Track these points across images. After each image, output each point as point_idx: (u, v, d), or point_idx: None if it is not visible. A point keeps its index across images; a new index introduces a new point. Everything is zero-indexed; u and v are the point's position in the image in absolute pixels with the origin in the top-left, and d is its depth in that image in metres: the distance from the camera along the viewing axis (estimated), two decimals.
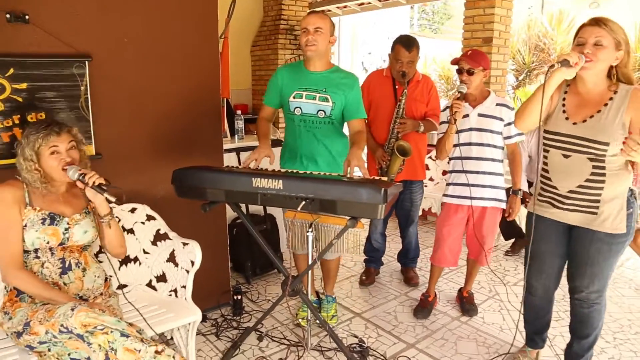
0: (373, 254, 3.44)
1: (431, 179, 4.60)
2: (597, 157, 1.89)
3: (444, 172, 4.52)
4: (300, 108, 2.51)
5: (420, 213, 3.49)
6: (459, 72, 2.62)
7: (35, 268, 1.91)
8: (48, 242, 1.90)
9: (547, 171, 2.05)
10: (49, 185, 1.92)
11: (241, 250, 3.36)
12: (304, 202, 1.95)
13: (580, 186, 1.95)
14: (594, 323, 2.11)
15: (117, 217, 2.33)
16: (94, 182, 1.87)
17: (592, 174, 1.91)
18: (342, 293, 3.22)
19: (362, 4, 7.22)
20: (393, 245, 3.96)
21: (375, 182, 1.97)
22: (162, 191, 2.57)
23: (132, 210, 2.38)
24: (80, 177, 1.89)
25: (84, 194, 1.99)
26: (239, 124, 3.55)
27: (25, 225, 1.87)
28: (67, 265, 1.95)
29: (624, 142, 1.74)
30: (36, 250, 1.91)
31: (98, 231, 2.06)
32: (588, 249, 2.00)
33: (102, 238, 2.07)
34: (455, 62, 2.67)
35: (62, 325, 1.69)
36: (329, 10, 7.59)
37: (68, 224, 1.94)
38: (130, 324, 1.79)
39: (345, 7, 7.37)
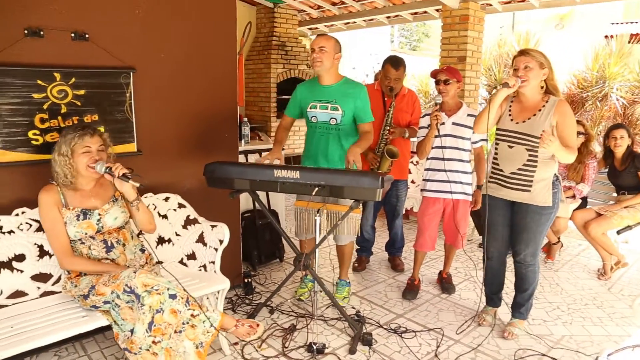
0: (364, 244, 3.91)
1: (413, 182, 5.11)
2: (532, 148, 2.54)
3: None
4: (316, 117, 2.97)
5: (403, 211, 3.98)
6: (437, 83, 3.15)
7: (84, 251, 2.31)
8: (86, 233, 2.29)
9: (496, 159, 2.70)
10: (77, 179, 2.27)
11: (248, 241, 3.78)
12: (317, 188, 2.42)
13: (519, 169, 2.60)
14: (530, 280, 2.77)
15: (153, 204, 2.78)
16: (119, 173, 2.25)
17: (528, 160, 2.57)
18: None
19: (348, 23, 7.79)
20: (380, 240, 4.43)
21: (374, 172, 2.45)
22: (189, 184, 3.00)
23: (166, 199, 2.81)
24: (107, 170, 2.26)
25: (112, 184, 2.39)
26: (246, 130, 4.01)
27: (66, 223, 2.26)
28: (109, 245, 2.34)
29: (540, 136, 2.38)
30: (80, 239, 2.30)
31: (129, 213, 2.45)
32: (525, 218, 2.65)
33: (134, 219, 2.47)
34: (433, 74, 3.19)
35: (126, 285, 2.09)
36: (317, 28, 8.14)
37: (99, 214, 2.32)
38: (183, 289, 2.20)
39: (332, 25, 7.92)
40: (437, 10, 6.55)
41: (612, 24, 10.95)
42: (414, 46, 17.23)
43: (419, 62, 12.41)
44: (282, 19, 7.12)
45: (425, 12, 6.77)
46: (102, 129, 2.60)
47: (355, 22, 7.74)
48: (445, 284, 3.49)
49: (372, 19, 7.47)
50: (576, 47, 9.72)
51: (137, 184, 2.29)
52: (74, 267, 2.27)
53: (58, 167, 2.23)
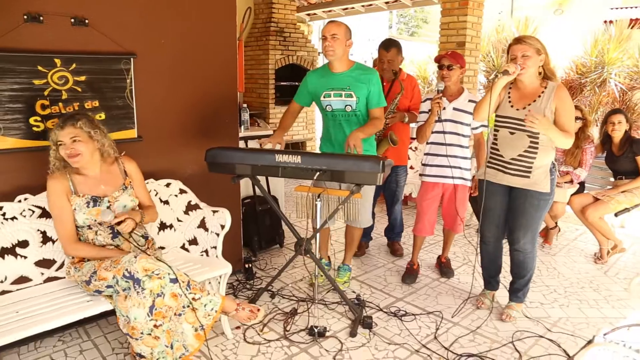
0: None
1: (411, 167, 5.13)
2: (533, 134, 2.56)
3: None
4: (330, 105, 2.95)
5: (402, 197, 4.00)
6: (440, 68, 3.15)
7: (90, 237, 2.32)
8: (95, 220, 2.31)
9: (496, 144, 2.72)
10: (74, 167, 2.27)
11: (249, 227, 3.80)
12: (318, 173, 2.44)
13: (520, 155, 2.62)
14: (528, 266, 2.81)
15: (154, 190, 2.79)
16: (124, 232, 2.29)
17: (529, 146, 2.60)
18: (338, 262, 3.71)
19: (346, 8, 7.73)
20: (379, 226, 4.46)
21: (374, 156, 2.47)
22: (190, 170, 3.01)
23: (167, 185, 2.82)
24: (115, 223, 2.26)
25: (122, 170, 2.43)
26: (245, 116, 4.01)
27: (75, 209, 2.27)
28: (115, 231, 2.35)
29: (525, 115, 2.42)
30: (88, 225, 2.32)
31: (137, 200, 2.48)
32: (523, 204, 2.68)
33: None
34: (437, 59, 3.19)
35: (126, 270, 2.10)
36: (315, 14, 8.09)
37: (109, 202, 2.34)
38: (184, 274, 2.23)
39: (330, 11, 7.87)
40: None
41: (612, 9, 10.89)
42: (413, 32, 17.15)
43: (418, 48, 12.36)
44: (280, 5, 7.06)
45: None
46: (102, 115, 2.61)
47: (353, 8, 7.69)
48: (444, 268, 3.53)
49: (370, 5, 7.43)
50: (575, 32, 9.69)
51: (143, 241, 2.41)
52: (77, 253, 2.29)
53: (50, 156, 2.26)
